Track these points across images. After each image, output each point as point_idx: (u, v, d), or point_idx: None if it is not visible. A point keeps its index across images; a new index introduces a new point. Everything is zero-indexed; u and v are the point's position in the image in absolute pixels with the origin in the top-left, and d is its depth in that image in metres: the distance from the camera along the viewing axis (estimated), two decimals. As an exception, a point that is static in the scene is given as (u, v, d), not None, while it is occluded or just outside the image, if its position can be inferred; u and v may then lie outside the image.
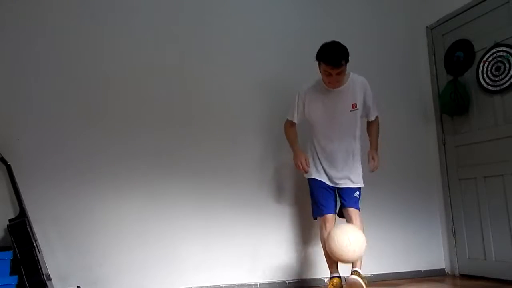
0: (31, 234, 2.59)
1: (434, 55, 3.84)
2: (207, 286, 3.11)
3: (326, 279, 3.32)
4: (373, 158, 2.86)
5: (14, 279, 2.50)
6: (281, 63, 3.51)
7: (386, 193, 3.56)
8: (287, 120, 2.99)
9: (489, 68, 3.29)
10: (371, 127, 2.99)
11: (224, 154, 3.29)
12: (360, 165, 2.89)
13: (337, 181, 2.85)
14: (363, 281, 2.70)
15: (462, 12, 3.55)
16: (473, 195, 3.46)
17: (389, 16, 3.93)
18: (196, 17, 3.40)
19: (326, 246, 2.66)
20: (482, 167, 3.39)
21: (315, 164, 2.90)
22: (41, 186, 2.88)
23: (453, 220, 3.66)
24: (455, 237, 3.64)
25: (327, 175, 2.86)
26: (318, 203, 2.87)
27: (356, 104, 2.81)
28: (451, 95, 3.50)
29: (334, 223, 2.86)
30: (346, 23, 3.71)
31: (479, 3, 3.40)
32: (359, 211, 2.83)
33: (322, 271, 3.24)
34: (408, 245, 3.65)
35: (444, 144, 3.74)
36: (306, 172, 2.89)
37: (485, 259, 3.36)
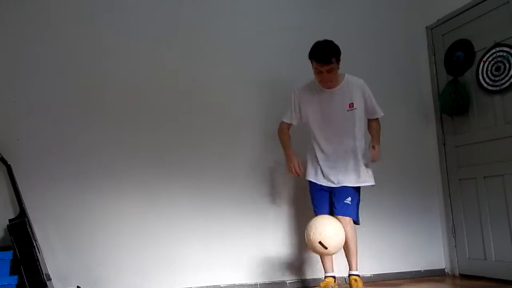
0: (31, 234, 2.59)
1: (434, 55, 3.84)
2: (207, 286, 3.11)
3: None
4: (373, 147, 2.82)
5: (14, 279, 2.50)
6: (280, 63, 3.51)
7: (386, 193, 3.56)
8: (282, 122, 2.98)
9: (489, 68, 3.28)
10: (371, 123, 2.98)
11: (224, 154, 3.29)
12: (364, 164, 2.86)
13: (335, 182, 2.83)
14: (359, 283, 2.75)
15: (462, 12, 3.55)
16: (473, 195, 3.46)
17: (389, 16, 3.93)
18: (195, 17, 3.40)
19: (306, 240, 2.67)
20: (482, 167, 3.39)
21: (314, 166, 2.90)
22: (41, 186, 2.88)
23: (453, 220, 3.65)
24: (455, 237, 3.64)
25: (324, 176, 2.86)
26: (313, 204, 2.93)
27: (353, 103, 2.80)
28: (451, 95, 3.50)
29: None
30: (346, 23, 3.71)
31: (479, 3, 3.40)
32: (352, 218, 2.79)
33: (322, 271, 3.24)
34: (408, 245, 3.65)
35: (444, 144, 3.74)
36: (299, 175, 2.89)
37: (485, 259, 3.36)
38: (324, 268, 2.91)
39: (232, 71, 3.42)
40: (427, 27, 3.90)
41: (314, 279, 3.32)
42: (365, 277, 3.34)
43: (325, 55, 2.66)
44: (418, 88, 3.92)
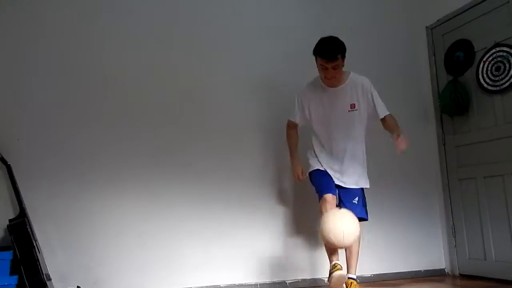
0: (31, 234, 2.59)
1: (434, 55, 3.84)
2: (207, 286, 3.11)
3: (326, 279, 3.32)
4: (397, 136, 2.64)
5: (14, 279, 2.50)
6: (281, 63, 3.51)
7: (386, 193, 3.56)
8: (288, 120, 2.96)
9: (489, 68, 3.28)
10: (386, 123, 2.83)
11: (223, 155, 3.29)
12: (363, 167, 2.86)
13: (337, 178, 2.81)
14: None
15: (462, 12, 3.55)
16: (473, 195, 3.46)
17: (389, 16, 3.93)
18: (195, 17, 3.40)
19: (320, 227, 2.56)
20: (482, 167, 3.38)
21: (316, 161, 2.87)
22: (41, 186, 2.88)
23: (453, 220, 3.65)
24: (455, 237, 3.64)
25: (330, 168, 2.83)
26: (318, 186, 2.81)
27: (355, 104, 2.77)
28: (451, 95, 3.50)
29: (335, 205, 2.76)
30: (346, 23, 3.71)
31: (479, 3, 3.40)
32: (361, 216, 2.76)
33: (322, 271, 3.24)
34: (408, 245, 3.65)
35: (444, 144, 3.74)
36: (301, 180, 2.89)
37: (485, 259, 3.36)
38: (331, 256, 2.78)
39: (233, 70, 3.42)
40: (427, 27, 3.90)
41: (314, 279, 3.32)
42: (365, 277, 3.35)
43: (331, 51, 2.61)
44: (418, 88, 3.92)
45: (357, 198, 2.81)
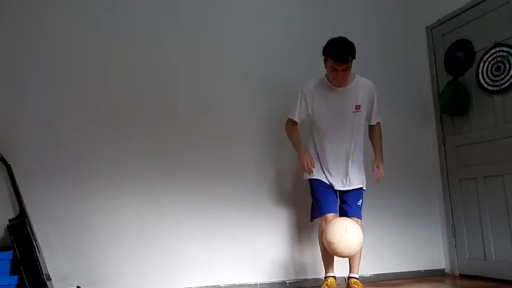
0: (31, 234, 2.59)
1: (434, 55, 3.84)
2: (207, 286, 3.11)
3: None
4: (378, 167, 2.83)
5: (14, 279, 2.50)
6: (281, 63, 3.51)
7: (386, 193, 3.56)
8: (289, 119, 2.94)
9: (489, 68, 3.29)
10: (372, 132, 2.97)
11: (224, 154, 3.29)
12: (361, 168, 2.87)
13: (337, 182, 2.82)
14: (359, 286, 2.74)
15: (462, 12, 3.55)
16: (473, 195, 3.46)
17: (389, 16, 3.93)
18: (196, 17, 3.40)
19: (323, 238, 2.63)
20: (482, 167, 3.39)
21: (316, 162, 2.87)
22: (41, 186, 2.88)
23: (453, 220, 3.65)
24: (455, 237, 3.64)
25: (327, 174, 2.84)
26: (319, 202, 2.82)
27: (359, 106, 2.80)
28: (451, 95, 3.50)
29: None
30: (346, 23, 3.71)
31: (479, 3, 3.40)
32: (361, 219, 2.82)
33: (322, 271, 3.24)
34: (408, 245, 3.65)
35: (444, 144, 3.74)
36: (311, 172, 2.82)
37: (485, 259, 3.36)
38: (326, 267, 2.89)
39: (233, 70, 3.42)
40: (427, 27, 3.90)
41: (314, 279, 3.32)
42: (365, 277, 3.35)
43: (343, 53, 2.60)
44: (418, 88, 3.92)
45: (361, 201, 2.83)
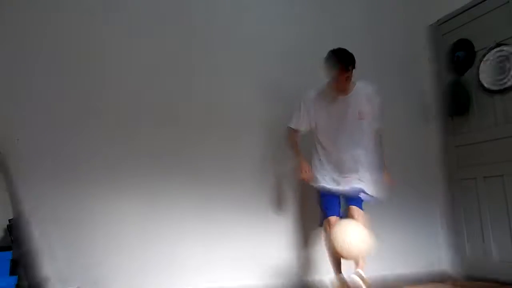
0: (31, 234, 2.59)
1: (434, 55, 3.84)
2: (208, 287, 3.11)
3: (326, 280, 3.33)
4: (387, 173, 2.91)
5: (14, 279, 2.50)
6: (281, 63, 3.50)
7: (386, 193, 3.56)
8: (290, 128, 2.97)
9: (490, 68, 3.29)
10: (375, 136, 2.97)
11: (224, 156, 3.29)
12: (372, 174, 2.88)
13: (343, 185, 2.84)
14: (364, 283, 2.71)
15: (462, 12, 3.56)
16: (473, 195, 3.46)
17: (389, 16, 3.93)
18: (197, 17, 3.40)
19: (329, 244, 2.67)
20: (482, 167, 3.39)
21: (320, 172, 2.90)
22: (41, 186, 2.87)
23: (453, 220, 3.65)
24: (455, 237, 3.64)
25: (332, 179, 2.86)
26: (323, 209, 2.90)
27: (363, 112, 2.83)
28: (451, 95, 3.50)
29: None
30: (346, 23, 3.71)
31: (479, 3, 3.41)
32: (363, 211, 2.83)
33: (322, 272, 3.24)
34: (408, 246, 3.64)
35: (444, 144, 3.74)
36: (311, 180, 2.87)
37: (486, 260, 3.36)
38: (335, 269, 2.90)
39: (233, 71, 3.41)
40: (427, 27, 3.90)
41: (314, 280, 3.32)
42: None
43: (345, 63, 2.70)
44: (418, 88, 3.92)
45: (363, 195, 2.84)
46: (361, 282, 2.67)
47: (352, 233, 2.58)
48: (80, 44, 3.10)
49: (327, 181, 2.88)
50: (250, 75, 3.44)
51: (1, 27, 2.95)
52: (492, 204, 3.31)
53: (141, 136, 3.13)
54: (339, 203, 2.90)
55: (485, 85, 3.33)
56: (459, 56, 3.55)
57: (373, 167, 2.89)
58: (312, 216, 3.12)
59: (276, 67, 3.49)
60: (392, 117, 3.56)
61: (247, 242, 3.25)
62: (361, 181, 2.84)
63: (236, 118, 3.36)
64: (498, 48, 3.23)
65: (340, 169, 2.85)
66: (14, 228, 2.59)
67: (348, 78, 2.75)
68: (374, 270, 3.45)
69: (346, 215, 2.86)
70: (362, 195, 2.84)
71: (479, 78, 3.37)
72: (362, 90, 2.86)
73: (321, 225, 2.97)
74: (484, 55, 3.33)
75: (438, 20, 3.80)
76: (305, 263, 3.37)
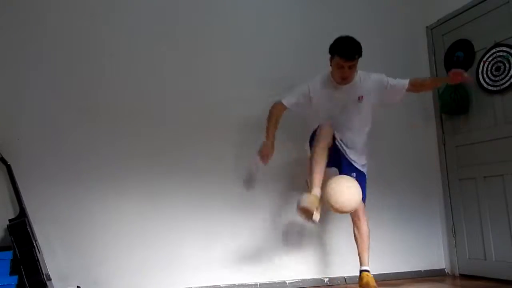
0: (31, 234, 2.59)
1: (434, 55, 3.84)
2: (207, 286, 3.11)
3: (326, 279, 3.34)
4: (458, 73, 2.86)
5: (14, 279, 2.50)
6: (281, 63, 3.50)
7: (386, 193, 3.56)
8: (280, 103, 2.87)
9: (489, 68, 3.29)
10: (417, 87, 2.97)
11: (224, 155, 3.29)
12: (365, 157, 2.90)
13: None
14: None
15: (462, 12, 3.55)
16: (473, 195, 3.46)
17: (389, 16, 3.93)
18: (197, 16, 3.40)
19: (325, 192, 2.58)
20: (482, 167, 3.38)
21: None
22: (41, 186, 2.88)
23: (453, 220, 3.65)
24: (455, 237, 3.64)
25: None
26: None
27: (363, 96, 2.81)
28: (451, 95, 3.50)
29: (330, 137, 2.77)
30: (346, 22, 3.71)
31: (479, 3, 3.40)
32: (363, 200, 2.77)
33: (322, 272, 3.25)
34: (408, 245, 3.65)
35: (444, 144, 3.74)
36: (264, 163, 2.80)
37: (485, 259, 3.36)
38: (312, 183, 2.68)
39: (233, 70, 3.42)
40: (427, 27, 3.90)
41: (314, 279, 3.32)
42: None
43: (351, 51, 2.66)
44: (418, 88, 3.92)
45: (354, 174, 2.79)
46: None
47: (347, 190, 2.54)
48: (80, 44, 3.10)
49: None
50: (250, 75, 3.44)
51: (1, 27, 2.96)
52: (492, 204, 3.31)
53: (140, 136, 3.13)
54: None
55: (485, 85, 3.33)
56: (459, 56, 3.55)
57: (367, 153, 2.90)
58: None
59: (276, 67, 3.49)
60: (392, 117, 3.57)
61: (247, 241, 3.25)
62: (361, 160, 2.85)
63: (236, 118, 3.36)
64: (497, 48, 3.23)
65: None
66: (14, 228, 2.59)
67: (353, 67, 2.71)
68: (375, 269, 3.46)
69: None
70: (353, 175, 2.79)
71: (478, 78, 3.37)
72: (366, 78, 2.86)
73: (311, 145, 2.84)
74: (483, 55, 3.33)
75: (438, 20, 3.80)
76: (305, 261, 3.37)
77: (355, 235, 2.91)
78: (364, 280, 2.81)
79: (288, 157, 3.35)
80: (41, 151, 2.92)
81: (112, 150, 3.06)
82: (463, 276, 3.55)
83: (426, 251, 3.70)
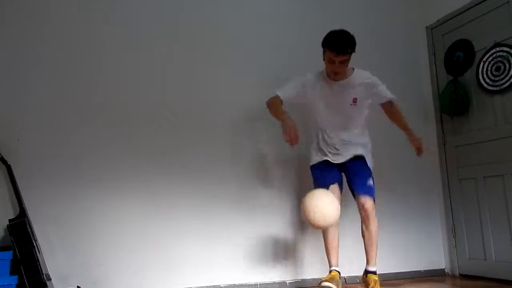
0: (31, 234, 2.59)
1: (434, 55, 3.84)
2: (207, 286, 3.11)
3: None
4: (416, 139, 2.83)
5: (14, 279, 2.50)
6: (281, 63, 3.50)
7: (386, 193, 3.55)
8: (276, 95, 2.82)
9: (489, 68, 3.29)
10: (389, 113, 2.94)
11: (224, 154, 3.29)
12: (370, 154, 2.87)
13: (344, 155, 2.79)
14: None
15: (462, 12, 3.56)
16: (473, 195, 3.46)
17: (389, 16, 3.93)
18: (196, 16, 3.40)
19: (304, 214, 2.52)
20: (482, 167, 3.39)
21: (317, 151, 2.86)
22: (41, 186, 2.87)
23: (453, 220, 3.66)
24: (455, 237, 3.64)
25: (330, 153, 2.82)
26: (320, 181, 2.78)
27: (356, 99, 2.77)
28: (451, 95, 3.50)
29: (339, 194, 2.78)
30: (346, 23, 3.64)
31: (479, 3, 3.41)
32: (374, 202, 2.74)
33: (322, 271, 3.24)
34: (408, 245, 3.65)
35: (444, 144, 3.74)
36: (295, 144, 2.57)
37: (485, 259, 3.36)
38: (329, 261, 2.83)
39: (233, 70, 3.41)
40: (427, 27, 3.91)
41: (314, 279, 3.32)
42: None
43: (342, 45, 2.57)
44: (418, 88, 3.92)
45: (371, 181, 2.77)
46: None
47: (323, 205, 2.45)
48: (80, 44, 3.10)
49: (323, 157, 2.82)
50: (250, 75, 3.44)
51: (1, 27, 2.95)
52: (492, 204, 3.31)
53: (140, 136, 3.13)
54: (339, 172, 2.82)
55: (485, 85, 3.33)
56: (459, 56, 3.55)
57: (367, 149, 2.87)
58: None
59: (276, 68, 3.49)
60: (392, 117, 3.56)
61: (246, 241, 3.25)
62: (360, 150, 2.80)
63: (236, 118, 3.36)
64: (497, 48, 3.23)
65: (337, 147, 2.81)
66: (14, 228, 2.59)
67: (344, 62, 2.63)
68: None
69: (358, 206, 2.79)
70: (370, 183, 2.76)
71: (478, 78, 3.37)
72: (360, 76, 2.79)
73: None
74: (483, 55, 3.33)
75: (438, 20, 3.80)
76: (305, 261, 3.37)
77: (362, 232, 2.84)
78: (371, 286, 2.74)
79: (288, 156, 3.35)
80: (41, 151, 2.92)
81: (112, 150, 3.06)
82: (463, 276, 3.55)
83: (426, 251, 3.70)
